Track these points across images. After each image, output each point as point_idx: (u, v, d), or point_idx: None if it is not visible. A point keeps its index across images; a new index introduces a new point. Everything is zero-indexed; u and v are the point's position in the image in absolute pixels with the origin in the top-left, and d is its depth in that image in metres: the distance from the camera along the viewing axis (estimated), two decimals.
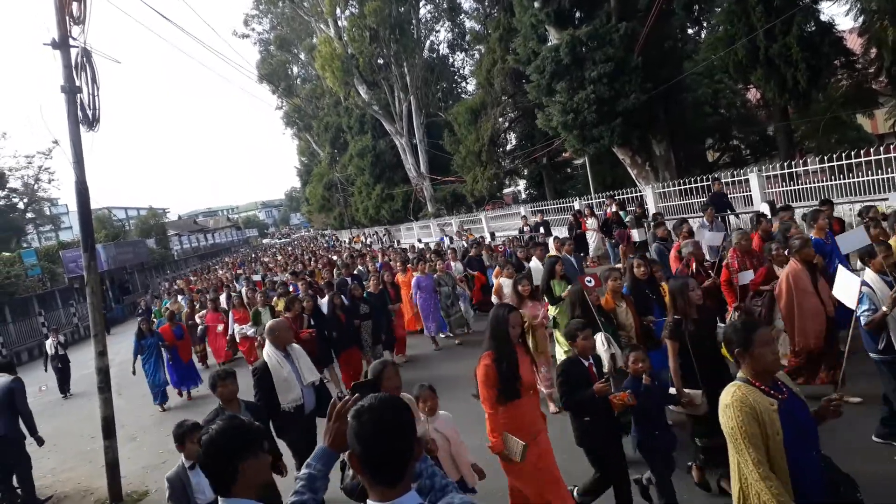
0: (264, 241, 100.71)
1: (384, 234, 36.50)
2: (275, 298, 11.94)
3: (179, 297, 19.56)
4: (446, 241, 21.15)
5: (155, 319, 16.14)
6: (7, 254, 33.61)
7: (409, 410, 2.03)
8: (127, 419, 11.00)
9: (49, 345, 15.55)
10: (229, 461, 2.17)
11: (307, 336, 8.59)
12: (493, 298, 9.33)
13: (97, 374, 7.30)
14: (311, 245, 48.70)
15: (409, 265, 13.36)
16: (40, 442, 7.92)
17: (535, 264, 9.60)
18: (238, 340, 12.27)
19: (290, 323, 7.43)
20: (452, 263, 12.92)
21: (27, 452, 7.87)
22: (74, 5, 7.04)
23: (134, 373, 11.82)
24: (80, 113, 7.16)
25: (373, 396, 1.97)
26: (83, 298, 29.91)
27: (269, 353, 5.49)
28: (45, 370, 15.87)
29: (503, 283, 9.02)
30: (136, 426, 10.99)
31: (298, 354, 5.67)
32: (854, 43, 17.43)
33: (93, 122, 7.26)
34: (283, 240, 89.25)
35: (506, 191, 38.63)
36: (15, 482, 7.71)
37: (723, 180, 13.59)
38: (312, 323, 9.27)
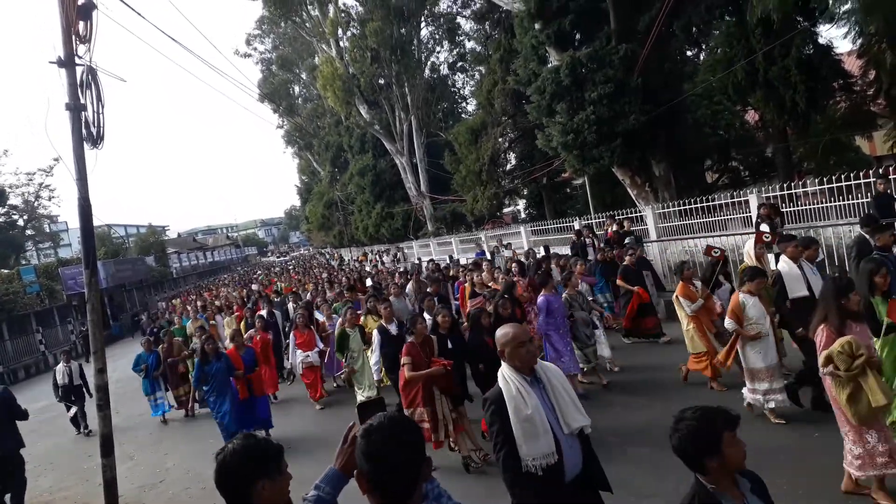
0: (264, 259, 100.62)
1: (395, 252, 34.48)
2: (363, 317, 9.95)
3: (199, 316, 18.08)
4: (500, 257, 18.33)
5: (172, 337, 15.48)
6: (6, 270, 33.59)
7: (418, 429, 2.02)
8: (124, 438, 10.94)
9: (60, 372, 12.67)
10: (242, 483, 2.13)
11: (441, 369, 6.44)
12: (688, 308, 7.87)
13: (96, 391, 7.23)
14: (311, 262, 48.75)
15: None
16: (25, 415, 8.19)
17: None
18: (301, 371, 10.24)
19: (419, 350, 6.54)
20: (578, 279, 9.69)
21: (24, 476, 7.91)
22: (81, 24, 7.09)
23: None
24: (84, 130, 7.18)
25: (381, 416, 1.97)
26: (81, 316, 29.87)
27: (507, 375, 3.50)
28: (57, 399, 12.87)
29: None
30: (134, 445, 10.92)
31: (555, 382, 3.49)
32: (852, 65, 17.58)
33: (97, 140, 7.28)
34: (281, 258, 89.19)
35: (505, 210, 38.70)
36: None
37: (722, 201, 13.62)
38: (446, 348, 7.01)
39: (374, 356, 8.23)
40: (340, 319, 9.87)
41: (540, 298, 8.37)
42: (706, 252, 8.69)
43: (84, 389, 12.66)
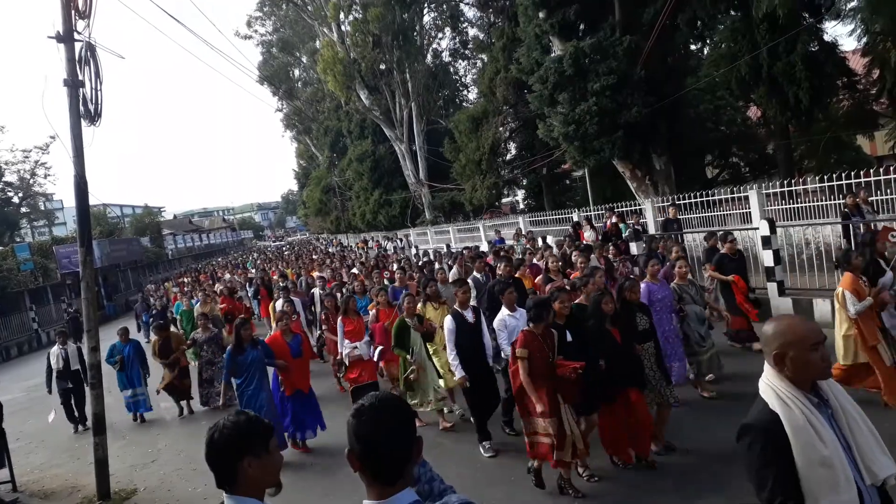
0: (260, 243, 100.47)
1: (399, 240, 31.60)
2: (419, 305, 8.03)
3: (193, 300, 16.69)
4: (518, 243, 16.70)
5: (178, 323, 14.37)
6: (0, 247, 33.43)
7: (409, 409, 2.02)
8: (116, 417, 10.89)
9: (54, 356, 10.98)
10: (229, 459, 2.14)
11: (572, 373, 5.20)
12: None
13: (89, 369, 7.22)
14: (308, 248, 48.61)
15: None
16: None
17: None
18: (347, 365, 8.35)
19: (541, 344, 5.29)
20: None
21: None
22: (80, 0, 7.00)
23: (50, 392, 10.93)
24: (82, 107, 7.10)
25: (372, 395, 1.98)
26: (75, 295, 29.80)
27: (784, 392, 2.33)
28: (49, 391, 11.04)
29: None
30: (126, 425, 10.89)
31: (849, 408, 2.41)
32: (857, 63, 17.52)
33: (94, 117, 7.21)
34: (276, 242, 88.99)
35: (504, 200, 38.67)
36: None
37: (722, 196, 13.60)
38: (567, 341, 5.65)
39: (449, 349, 6.70)
40: (375, 307, 8.82)
41: (641, 286, 6.67)
42: (880, 237, 7.12)
43: (83, 376, 10.83)
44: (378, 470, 1.87)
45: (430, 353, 7.63)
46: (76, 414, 11.10)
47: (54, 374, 10.91)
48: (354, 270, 16.51)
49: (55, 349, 11.09)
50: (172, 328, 14.51)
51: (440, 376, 7.67)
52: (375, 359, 8.14)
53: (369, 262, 18.96)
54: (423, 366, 7.32)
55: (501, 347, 6.44)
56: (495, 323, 6.45)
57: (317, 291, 13.18)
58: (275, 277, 19.32)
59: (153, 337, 11.72)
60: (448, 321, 6.79)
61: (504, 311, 6.46)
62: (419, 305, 7.90)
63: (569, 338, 5.64)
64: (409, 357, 7.29)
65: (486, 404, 6.74)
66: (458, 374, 6.52)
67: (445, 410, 7.80)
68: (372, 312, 8.86)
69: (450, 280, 10.10)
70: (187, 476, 7.72)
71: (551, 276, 8.67)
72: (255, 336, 7.67)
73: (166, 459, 8.67)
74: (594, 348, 5.65)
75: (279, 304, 11.58)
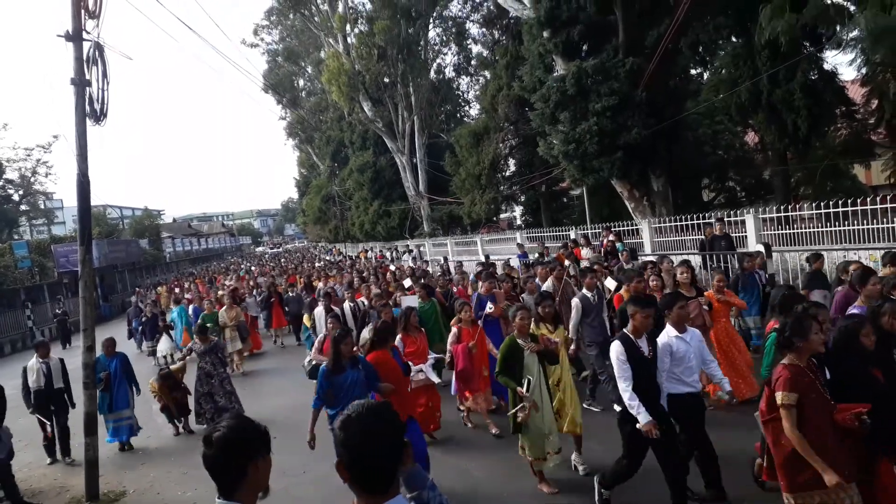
0: (258, 249, 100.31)
1: (409, 252, 29.49)
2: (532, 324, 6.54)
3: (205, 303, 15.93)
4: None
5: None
6: None
7: (396, 416, 2.02)
8: None
9: (33, 370, 8.94)
10: (242, 459, 2.12)
11: (854, 420, 3.80)
12: None
13: (83, 368, 7.23)
14: (308, 255, 48.55)
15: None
16: None
17: None
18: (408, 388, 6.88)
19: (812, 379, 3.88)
20: None
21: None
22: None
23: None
24: (87, 107, 7.18)
25: (359, 404, 1.99)
26: (71, 294, 29.75)
27: None
28: (31, 409, 9.00)
29: None
30: None
31: None
32: (855, 93, 17.68)
33: (100, 117, 7.28)
34: (274, 249, 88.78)
35: (502, 216, 38.76)
36: None
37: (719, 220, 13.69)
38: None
39: (623, 386, 4.79)
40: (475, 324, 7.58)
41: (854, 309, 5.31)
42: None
43: (66, 396, 9.16)
44: (367, 478, 1.88)
45: (549, 383, 5.90)
46: (57, 446, 9.15)
47: (32, 395, 8.91)
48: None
49: (33, 363, 8.98)
50: (164, 343, 14.39)
51: (558, 416, 6.01)
52: (453, 390, 7.43)
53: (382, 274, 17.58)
54: (536, 403, 5.48)
55: (661, 383, 5.00)
56: (659, 348, 5.03)
57: (347, 305, 11.27)
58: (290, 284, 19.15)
59: (153, 381, 10.07)
60: (617, 349, 4.85)
61: (670, 331, 5.12)
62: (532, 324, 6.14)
63: (827, 375, 4.20)
64: (522, 389, 5.44)
65: (677, 463, 4.93)
66: (643, 419, 4.63)
67: (575, 468, 6.15)
68: (453, 331, 7.64)
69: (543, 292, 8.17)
70: (177, 479, 7.72)
71: (682, 292, 6.97)
72: (355, 353, 6.17)
73: (156, 462, 8.66)
74: (855, 392, 4.01)
75: (318, 312, 10.79)
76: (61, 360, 9.31)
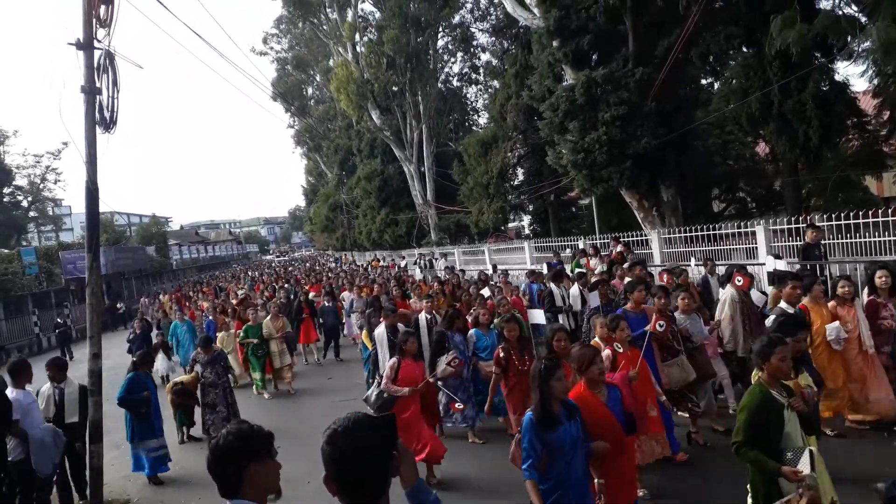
0: (266, 257, 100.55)
1: (433, 259, 28.29)
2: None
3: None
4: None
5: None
6: (6, 251, 33.54)
7: (383, 426, 1.98)
8: (112, 426, 10.81)
9: (44, 398, 7.04)
10: (234, 466, 2.16)
11: None
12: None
13: (89, 376, 7.15)
14: (317, 264, 48.58)
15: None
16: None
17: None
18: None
19: None
20: None
21: None
22: (102, 8, 7.08)
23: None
24: (97, 114, 7.16)
25: (345, 418, 1.96)
26: (78, 301, 29.80)
27: None
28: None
29: None
30: (121, 434, 10.78)
31: None
32: (867, 104, 17.58)
33: (110, 125, 7.26)
34: (280, 257, 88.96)
35: (510, 225, 38.74)
36: None
37: (728, 231, 13.59)
38: None
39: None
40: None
41: None
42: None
43: (83, 429, 7.15)
44: (357, 493, 1.87)
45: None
46: (72, 484, 7.30)
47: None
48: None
49: (46, 388, 7.13)
50: (160, 362, 13.47)
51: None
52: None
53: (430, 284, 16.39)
54: (816, 487, 3.52)
55: None
56: None
57: (424, 317, 9.17)
58: (312, 294, 17.75)
59: (168, 394, 9.61)
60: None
61: None
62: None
63: None
64: (799, 468, 3.50)
65: None
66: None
67: None
68: (605, 353, 5.47)
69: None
70: (181, 488, 7.66)
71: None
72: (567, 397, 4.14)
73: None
74: None
75: (380, 330, 8.56)
76: (82, 388, 7.23)
